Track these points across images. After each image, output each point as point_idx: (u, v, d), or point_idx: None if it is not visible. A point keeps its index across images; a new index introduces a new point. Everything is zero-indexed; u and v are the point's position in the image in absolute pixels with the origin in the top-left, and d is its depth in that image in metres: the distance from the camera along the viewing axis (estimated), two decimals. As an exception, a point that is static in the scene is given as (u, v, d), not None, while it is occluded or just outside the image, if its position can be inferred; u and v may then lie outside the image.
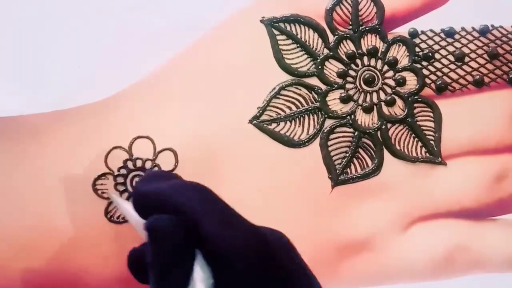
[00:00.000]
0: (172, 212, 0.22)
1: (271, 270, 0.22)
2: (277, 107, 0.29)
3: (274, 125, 0.29)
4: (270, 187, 0.28)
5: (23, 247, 0.26)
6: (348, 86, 0.30)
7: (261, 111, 0.29)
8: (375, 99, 0.30)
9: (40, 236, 0.26)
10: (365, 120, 0.29)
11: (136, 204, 0.23)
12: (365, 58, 0.30)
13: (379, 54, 0.30)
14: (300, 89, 0.29)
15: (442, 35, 0.31)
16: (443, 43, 0.31)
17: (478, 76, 0.30)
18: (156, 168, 0.27)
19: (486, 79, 0.31)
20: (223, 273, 0.21)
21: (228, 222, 0.22)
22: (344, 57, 0.30)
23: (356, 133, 0.29)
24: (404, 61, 0.30)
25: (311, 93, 0.29)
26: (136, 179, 0.27)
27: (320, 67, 0.29)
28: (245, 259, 0.21)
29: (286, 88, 0.29)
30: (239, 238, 0.22)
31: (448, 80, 0.30)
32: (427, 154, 0.30)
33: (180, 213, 0.22)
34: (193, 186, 0.23)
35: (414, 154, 0.30)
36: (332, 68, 0.30)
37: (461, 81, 0.30)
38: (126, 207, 0.25)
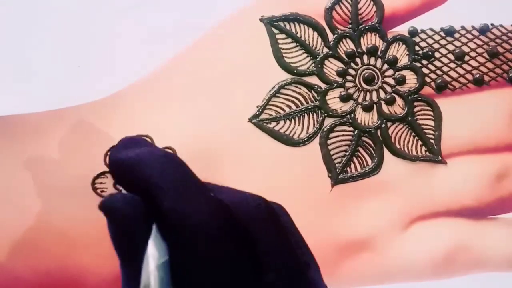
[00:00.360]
0: (135, 184, 0.22)
1: (234, 247, 0.21)
2: (276, 106, 0.29)
3: (273, 124, 0.29)
4: (270, 186, 0.28)
5: (23, 247, 0.26)
6: (347, 84, 0.30)
7: (260, 110, 0.29)
8: (375, 98, 0.30)
9: (40, 236, 0.26)
10: (365, 118, 0.29)
11: (112, 172, 0.24)
12: (365, 57, 0.30)
13: (378, 53, 0.30)
14: (299, 88, 0.29)
15: (442, 33, 0.31)
16: (443, 41, 0.31)
17: (478, 75, 0.30)
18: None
19: (486, 78, 0.30)
20: (177, 250, 0.21)
21: (188, 196, 0.22)
22: (343, 56, 0.30)
23: (356, 132, 0.29)
24: (404, 60, 0.30)
25: (310, 92, 0.29)
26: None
27: (319, 66, 0.29)
28: (200, 234, 0.21)
29: (285, 87, 0.29)
30: (195, 213, 0.21)
31: (448, 79, 0.30)
32: (427, 153, 0.30)
33: (142, 186, 0.22)
34: (159, 156, 0.23)
35: (414, 153, 0.30)
36: (332, 67, 0.30)
37: (461, 79, 0.30)
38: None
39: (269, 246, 0.22)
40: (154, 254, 0.21)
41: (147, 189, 0.22)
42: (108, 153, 0.25)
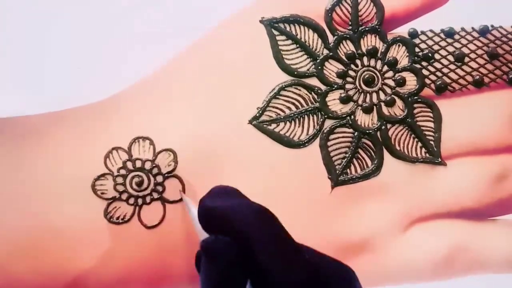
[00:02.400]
0: (231, 234, 0.22)
1: None
2: (276, 108, 0.29)
3: (273, 125, 0.29)
4: (270, 187, 0.28)
5: (23, 248, 0.26)
6: (347, 86, 0.30)
7: (260, 112, 0.29)
8: (375, 100, 0.30)
9: (40, 237, 0.26)
10: (365, 120, 0.29)
11: (200, 218, 0.24)
12: (365, 59, 0.30)
13: (378, 55, 0.30)
14: (299, 90, 0.29)
15: (442, 35, 0.31)
16: (443, 43, 0.31)
17: (478, 76, 0.30)
18: (155, 169, 0.27)
19: (486, 79, 0.30)
20: None
21: (283, 253, 0.22)
22: (343, 57, 0.30)
23: (356, 134, 0.29)
24: (403, 62, 0.30)
25: (310, 93, 0.29)
26: (136, 179, 0.27)
27: (319, 67, 0.29)
28: None
29: (285, 88, 0.29)
30: (291, 274, 0.22)
31: (448, 80, 0.30)
32: (427, 155, 0.30)
33: (238, 236, 0.22)
34: (256, 209, 0.23)
35: (414, 155, 0.30)
36: (332, 68, 0.30)
37: (461, 81, 0.30)
38: (195, 214, 0.25)
39: None
40: None
41: (242, 239, 0.22)
42: (200, 202, 0.25)
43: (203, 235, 0.24)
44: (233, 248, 0.22)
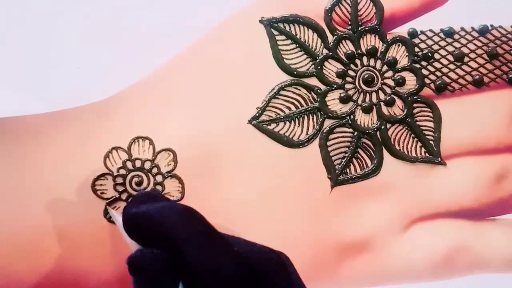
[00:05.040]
0: (157, 238, 0.22)
1: None
2: (276, 107, 0.29)
3: (273, 125, 0.29)
4: (270, 187, 0.28)
5: (23, 248, 0.26)
6: (347, 86, 0.30)
7: (260, 112, 0.29)
8: (374, 99, 0.30)
9: (40, 237, 0.26)
10: (365, 120, 0.29)
11: (125, 226, 0.24)
12: (365, 58, 0.30)
13: (378, 54, 0.30)
14: (299, 89, 0.29)
15: (442, 35, 0.31)
16: (442, 43, 0.31)
17: (477, 76, 0.30)
18: (155, 169, 0.27)
19: (486, 79, 0.30)
20: None
21: (210, 249, 0.22)
22: (343, 57, 0.30)
23: (355, 133, 0.29)
24: (403, 61, 0.30)
25: (310, 93, 0.29)
26: (135, 179, 0.27)
27: (319, 67, 0.29)
28: None
29: (285, 88, 0.29)
30: (220, 269, 0.22)
31: (448, 80, 0.30)
32: (427, 154, 0.30)
33: (164, 240, 0.22)
34: (180, 209, 0.23)
35: (414, 154, 0.30)
36: (332, 68, 0.30)
37: (461, 81, 0.30)
38: (120, 222, 0.25)
39: None
40: None
41: (169, 241, 0.22)
42: (124, 208, 0.25)
43: (132, 245, 0.24)
44: (160, 259, 0.22)
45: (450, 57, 0.30)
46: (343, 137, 0.29)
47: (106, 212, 0.27)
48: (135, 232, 0.24)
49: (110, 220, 0.27)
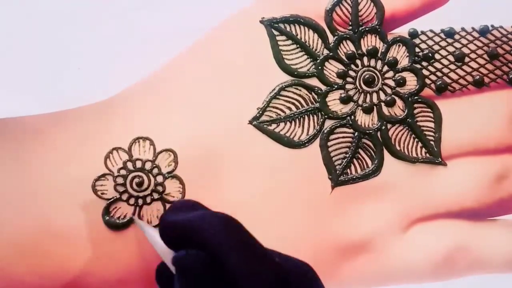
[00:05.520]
0: (199, 245, 0.23)
1: None
2: (277, 108, 0.29)
3: (274, 125, 0.29)
4: (270, 188, 0.28)
5: (24, 249, 0.26)
6: (348, 86, 0.30)
7: (261, 112, 0.29)
8: (375, 100, 0.30)
9: (41, 238, 0.26)
10: (365, 120, 0.29)
11: (163, 233, 0.24)
12: (365, 59, 0.30)
13: (379, 55, 0.30)
14: (300, 90, 0.29)
15: (442, 35, 0.31)
16: (443, 43, 0.31)
17: (478, 77, 0.30)
18: (156, 169, 0.27)
19: (486, 80, 0.31)
20: None
21: (251, 259, 0.22)
22: (344, 57, 0.30)
23: (356, 134, 0.29)
24: (404, 62, 0.30)
25: (311, 93, 0.29)
26: (136, 180, 0.27)
27: (320, 67, 0.29)
28: None
29: (286, 88, 0.29)
30: (260, 279, 0.22)
31: (448, 81, 0.30)
32: (427, 155, 0.30)
33: (207, 247, 0.22)
34: (221, 217, 0.23)
35: (414, 155, 0.30)
36: (332, 68, 0.30)
37: (461, 81, 0.30)
38: (151, 233, 0.25)
39: None
40: None
41: (210, 249, 0.22)
42: (162, 216, 0.25)
43: (166, 253, 0.24)
44: (204, 260, 0.22)
45: (451, 58, 0.30)
46: (343, 137, 0.29)
47: (105, 213, 0.27)
48: (174, 240, 0.24)
49: (108, 221, 0.27)
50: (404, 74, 0.30)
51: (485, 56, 0.31)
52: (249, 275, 0.22)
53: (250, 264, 0.22)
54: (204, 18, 0.32)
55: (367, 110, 0.29)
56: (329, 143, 0.29)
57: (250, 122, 0.29)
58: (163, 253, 0.24)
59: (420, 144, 0.30)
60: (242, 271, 0.22)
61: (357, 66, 0.30)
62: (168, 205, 0.27)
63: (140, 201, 0.27)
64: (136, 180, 0.27)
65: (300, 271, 0.23)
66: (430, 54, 0.30)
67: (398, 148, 0.30)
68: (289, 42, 0.30)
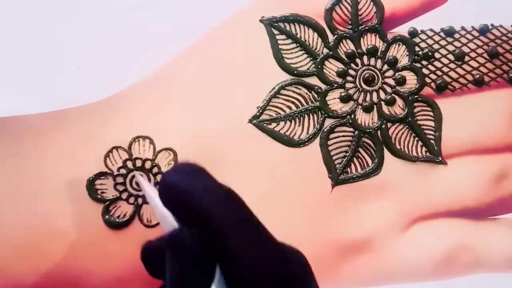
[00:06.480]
0: (196, 216, 0.22)
1: None
2: (277, 107, 0.29)
3: (274, 124, 0.29)
4: (270, 186, 0.28)
5: (24, 248, 0.26)
6: (348, 85, 0.30)
7: (261, 111, 0.29)
8: (375, 99, 0.30)
9: (41, 237, 0.26)
10: (365, 119, 0.29)
11: (163, 195, 0.23)
12: (365, 58, 0.30)
13: (379, 54, 0.30)
14: (300, 89, 0.29)
15: (442, 34, 0.31)
16: (443, 42, 0.31)
17: (478, 75, 0.30)
18: (156, 168, 0.27)
19: (486, 78, 0.31)
20: None
21: (253, 238, 0.22)
22: (344, 56, 0.30)
23: (356, 133, 0.29)
24: (404, 61, 0.30)
25: (311, 92, 0.29)
26: (135, 179, 0.27)
27: (320, 66, 0.29)
28: (264, 280, 0.21)
29: (286, 87, 0.29)
30: (262, 259, 0.21)
31: (448, 79, 0.30)
32: (427, 154, 0.30)
33: (204, 219, 0.21)
34: (226, 191, 0.22)
35: (414, 154, 0.30)
36: (332, 67, 0.30)
37: (461, 80, 0.30)
38: (151, 195, 0.24)
39: None
40: None
41: (209, 222, 0.21)
42: (163, 175, 0.24)
43: (166, 217, 0.23)
44: (198, 238, 0.21)
45: (451, 56, 0.30)
46: (343, 136, 0.29)
47: (105, 212, 0.27)
48: (172, 204, 0.22)
49: (108, 220, 0.27)
50: (404, 73, 0.30)
51: (485, 55, 0.31)
52: (249, 255, 0.21)
53: (252, 245, 0.21)
54: (204, 18, 0.32)
55: (367, 109, 0.29)
56: (329, 142, 0.29)
57: (250, 121, 0.29)
58: (162, 217, 0.23)
59: (420, 143, 0.30)
60: (243, 251, 0.21)
61: (357, 65, 0.30)
62: None
63: (140, 200, 0.27)
64: (136, 179, 0.27)
65: (296, 257, 0.23)
66: (430, 53, 0.30)
67: (398, 147, 0.30)
68: (289, 41, 0.30)
